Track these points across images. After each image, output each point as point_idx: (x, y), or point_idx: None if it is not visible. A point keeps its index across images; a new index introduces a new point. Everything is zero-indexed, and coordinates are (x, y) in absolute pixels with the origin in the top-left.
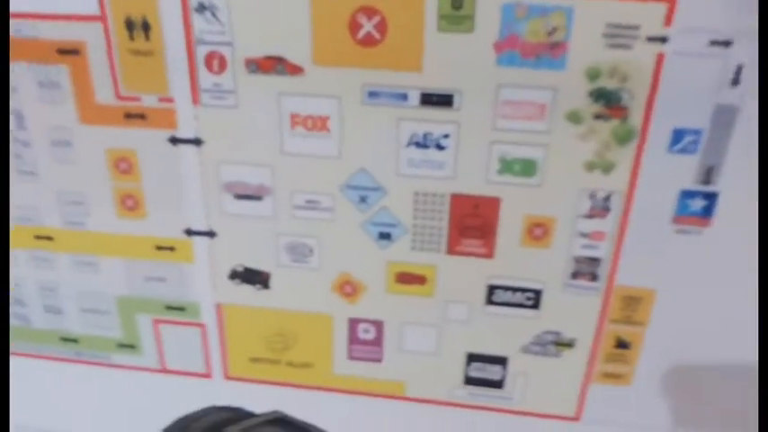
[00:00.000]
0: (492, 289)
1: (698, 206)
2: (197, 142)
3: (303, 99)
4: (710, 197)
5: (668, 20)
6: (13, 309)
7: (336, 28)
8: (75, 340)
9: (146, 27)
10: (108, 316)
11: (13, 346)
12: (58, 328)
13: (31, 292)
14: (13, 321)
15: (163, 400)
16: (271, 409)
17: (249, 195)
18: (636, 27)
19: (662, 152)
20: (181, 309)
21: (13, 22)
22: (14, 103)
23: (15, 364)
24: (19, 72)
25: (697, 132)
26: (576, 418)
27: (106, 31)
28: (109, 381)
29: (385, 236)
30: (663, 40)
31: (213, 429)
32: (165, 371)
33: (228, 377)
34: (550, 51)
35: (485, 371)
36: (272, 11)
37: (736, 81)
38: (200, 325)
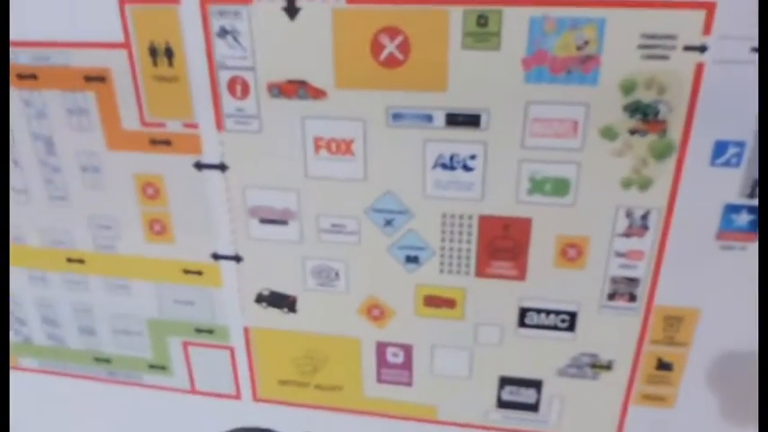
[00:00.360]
0: (524, 311)
1: (743, 221)
2: (222, 167)
3: (326, 122)
4: (756, 211)
5: (707, 28)
6: (47, 329)
7: (358, 50)
8: (108, 360)
9: (169, 53)
10: (139, 337)
11: (48, 366)
12: (91, 349)
13: (66, 313)
14: (48, 342)
15: (193, 421)
16: (299, 431)
17: (275, 220)
18: (673, 37)
19: (703, 166)
20: (210, 331)
21: (42, 51)
22: (44, 129)
23: (50, 382)
24: (50, 99)
25: (741, 144)
26: None
27: (131, 57)
28: (141, 400)
29: (412, 259)
30: (702, 49)
31: None
32: (195, 392)
33: (257, 399)
34: (582, 66)
35: (519, 394)
36: (294, 34)
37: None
38: (228, 347)
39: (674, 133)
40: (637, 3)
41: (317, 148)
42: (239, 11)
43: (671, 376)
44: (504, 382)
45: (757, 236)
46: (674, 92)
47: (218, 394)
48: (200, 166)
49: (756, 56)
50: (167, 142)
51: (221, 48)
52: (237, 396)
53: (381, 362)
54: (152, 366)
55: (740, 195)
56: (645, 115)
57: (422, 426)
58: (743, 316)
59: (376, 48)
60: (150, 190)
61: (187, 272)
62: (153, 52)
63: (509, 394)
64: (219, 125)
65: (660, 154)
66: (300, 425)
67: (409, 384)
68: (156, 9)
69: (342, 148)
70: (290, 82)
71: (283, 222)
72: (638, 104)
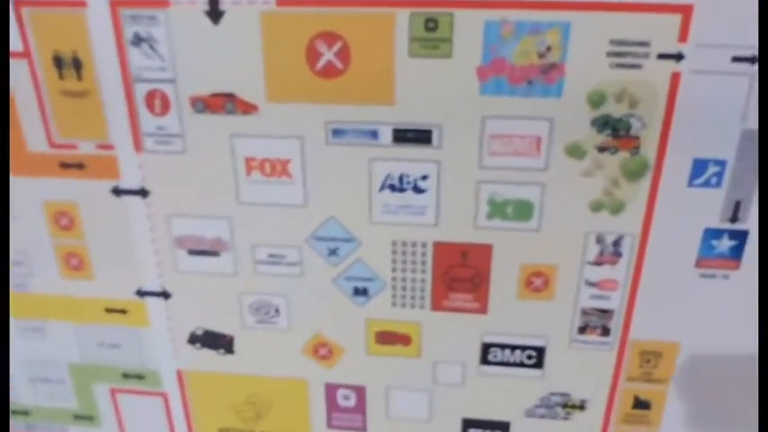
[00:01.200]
0: (487, 347)
1: (725, 247)
2: (143, 193)
3: (259, 141)
4: (739, 236)
5: (683, 34)
6: None
7: (292, 58)
8: (25, 412)
9: (77, 64)
10: (61, 385)
11: None
12: None
13: None
14: None
15: None
16: None
17: (205, 251)
18: (645, 43)
19: (681, 187)
20: (139, 377)
21: None
22: None
23: None
24: None
25: (721, 163)
26: None
27: (32, 69)
28: None
29: (361, 291)
30: (678, 57)
31: None
32: None
33: None
34: (544, 76)
35: None
36: (218, 42)
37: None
38: (161, 394)
39: (648, 150)
40: (605, 5)
41: (250, 169)
42: (155, 15)
43: (649, 415)
44: (468, 425)
45: (740, 264)
46: (648, 104)
47: None
48: (118, 191)
49: (739, 66)
50: (80, 166)
51: (136, 57)
52: None
53: (331, 405)
54: (77, 417)
55: (721, 219)
56: (615, 130)
57: None
58: (726, 349)
59: (312, 56)
60: (64, 220)
61: (110, 311)
62: (58, 63)
63: None
64: (138, 146)
65: (633, 173)
66: None
67: (363, 430)
68: (59, 13)
69: (277, 169)
70: (216, 95)
71: (215, 253)
72: (608, 119)
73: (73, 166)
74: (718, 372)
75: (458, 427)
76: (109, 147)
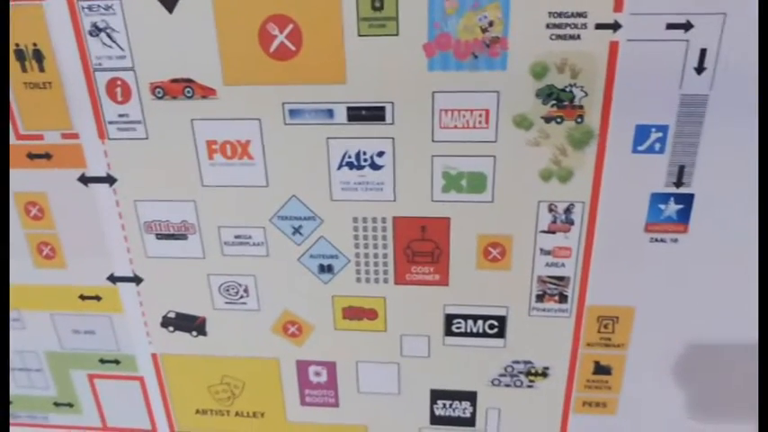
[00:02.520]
0: (450, 318)
1: (672, 211)
2: (109, 180)
3: (218, 124)
4: (685, 199)
5: (618, 4)
6: None
7: (246, 42)
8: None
9: (38, 56)
10: (39, 374)
11: None
12: None
13: None
14: None
15: None
16: None
17: (172, 234)
18: (582, 14)
19: (625, 153)
20: (115, 361)
21: None
22: None
23: None
24: None
25: (663, 128)
26: None
27: None
28: None
29: (326, 268)
30: (614, 26)
31: None
32: (106, 429)
33: None
34: (488, 50)
35: (452, 408)
36: (174, 28)
37: (700, 68)
38: (137, 378)
39: (592, 119)
40: None
41: (211, 152)
42: (111, 5)
43: (610, 380)
44: (436, 395)
45: (688, 228)
46: (589, 74)
47: (132, 430)
48: (85, 179)
49: (673, 32)
50: (47, 156)
51: (95, 47)
52: (153, 430)
53: (304, 382)
54: (58, 404)
55: (666, 184)
56: (559, 101)
57: None
58: (679, 312)
59: (265, 38)
60: (34, 210)
61: (84, 298)
62: (20, 56)
63: (442, 409)
64: (102, 134)
65: (579, 142)
66: None
67: (335, 405)
68: (17, 6)
69: (238, 151)
70: (175, 81)
71: (182, 237)
72: (552, 89)
73: (40, 157)
74: (675, 336)
75: (426, 398)
76: (74, 136)
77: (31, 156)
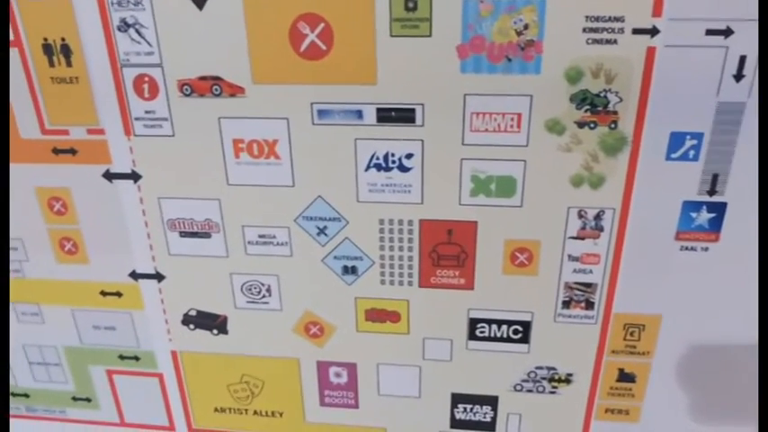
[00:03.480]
0: (474, 323)
1: (703, 219)
2: (134, 177)
3: (246, 122)
4: (717, 208)
5: (657, 8)
6: None
7: (276, 40)
8: (26, 395)
9: (66, 51)
10: (58, 368)
11: None
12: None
13: None
14: None
15: None
16: None
17: (196, 232)
18: (620, 18)
19: (659, 161)
20: (135, 358)
21: None
22: None
23: None
24: None
25: (698, 136)
26: None
27: (23, 56)
28: None
29: (350, 270)
30: (652, 32)
31: None
32: (124, 425)
33: (193, 429)
34: (522, 53)
35: (473, 413)
36: (203, 25)
37: (739, 75)
38: (157, 375)
39: (626, 125)
40: None
41: (238, 151)
42: (140, 1)
43: (634, 388)
44: (457, 399)
45: (719, 237)
46: (624, 79)
47: (149, 426)
48: (110, 176)
49: (713, 39)
50: (72, 151)
51: (124, 43)
52: (171, 428)
53: (323, 383)
54: (75, 399)
55: (699, 192)
56: (593, 106)
57: None
58: (707, 321)
59: (295, 37)
60: (57, 205)
61: (105, 294)
62: (48, 50)
63: (463, 413)
64: (128, 130)
65: (612, 148)
66: None
67: (355, 406)
68: (47, 0)
69: (264, 150)
70: (203, 78)
71: (206, 235)
72: (586, 94)
73: (65, 152)
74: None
75: (447, 402)
76: (100, 131)
77: (56, 151)
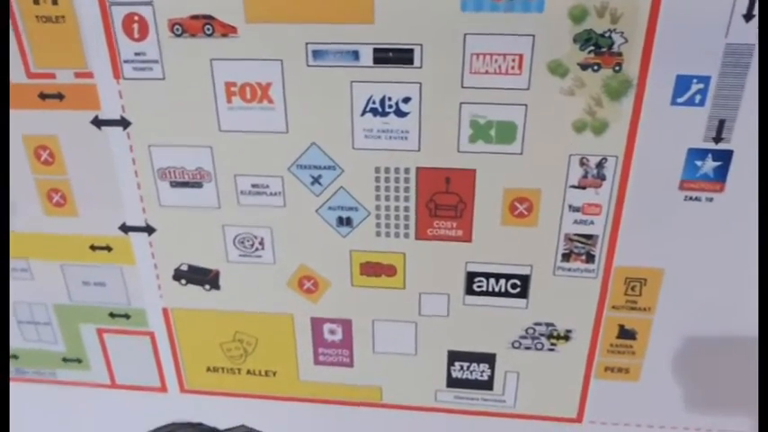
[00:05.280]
0: (472, 276)
1: (709, 168)
2: (123, 123)
3: (238, 64)
4: (723, 156)
5: None
6: None
7: None
8: (15, 356)
9: None
10: (48, 327)
11: None
12: None
13: None
14: None
15: (116, 419)
16: (235, 424)
17: (187, 182)
18: None
19: (664, 105)
20: (125, 316)
21: None
22: None
23: None
24: None
25: (704, 80)
26: (578, 420)
27: None
28: (56, 399)
29: (345, 221)
30: None
31: None
32: (115, 386)
33: (185, 390)
34: None
35: (470, 371)
36: None
37: (749, 14)
38: (148, 333)
39: (631, 67)
40: None
41: (230, 95)
42: None
43: (635, 345)
44: (454, 357)
45: (724, 187)
46: (630, 19)
47: (141, 387)
48: (98, 122)
49: None
50: (59, 96)
51: None
52: (163, 388)
53: (318, 340)
54: (66, 360)
55: (705, 139)
56: (598, 47)
57: (365, 411)
58: (710, 275)
59: None
60: (44, 154)
61: (95, 248)
62: None
63: (460, 371)
64: (117, 73)
65: (616, 92)
66: (233, 416)
67: (350, 365)
68: None
69: (257, 94)
70: (194, 17)
71: (197, 185)
72: (590, 34)
73: (52, 97)
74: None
75: (444, 359)
76: (88, 75)
77: (43, 96)
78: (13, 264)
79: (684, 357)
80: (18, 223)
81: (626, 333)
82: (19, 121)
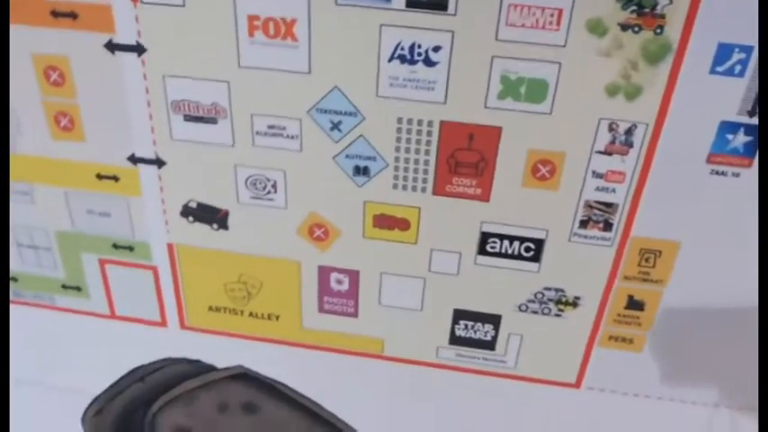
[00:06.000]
0: (486, 237)
1: (739, 142)
2: (139, 49)
3: None
4: (755, 131)
5: None
6: None
7: None
8: (14, 279)
9: None
10: (48, 253)
11: None
12: None
13: None
14: None
15: (112, 350)
16: (233, 364)
17: (201, 117)
18: None
19: (702, 74)
20: (129, 248)
21: None
22: None
23: None
24: None
25: (747, 50)
26: (576, 385)
27: None
28: (53, 324)
29: (362, 170)
30: None
31: (170, 383)
32: (114, 317)
33: (185, 327)
34: None
35: (474, 330)
36: None
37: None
38: (151, 267)
39: (673, 31)
40: None
41: (252, 29)
42: None
43: (642, 316)
44: (459, 315)
45: (753, 163)
46: None
47: (141, 320)
48: (112, 46)
49: None
50: (73, 15)
51: None
52: (163, 323)
53: (324, 289)
54: (65, 287)
55: (739, 112)
56: (641, 7)
57: (366, 361)
58: (727, 253)
59: None
60: (54, 75)
61: (101, 177)
62: None
63: (463, 330)
64: None
65: (654, 56)
66: (232, 356)
67: (354, 315)
68: None
69: (281, 30)
70: None
71: (212, 121)
72: None
73: (65, 15)
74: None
75: (449, 317)
76: None
77: (55, 14)
78: (15, 186)
79: (690, 332)
80: (23, 145)
81: (635, 304)
82: (29, 37)
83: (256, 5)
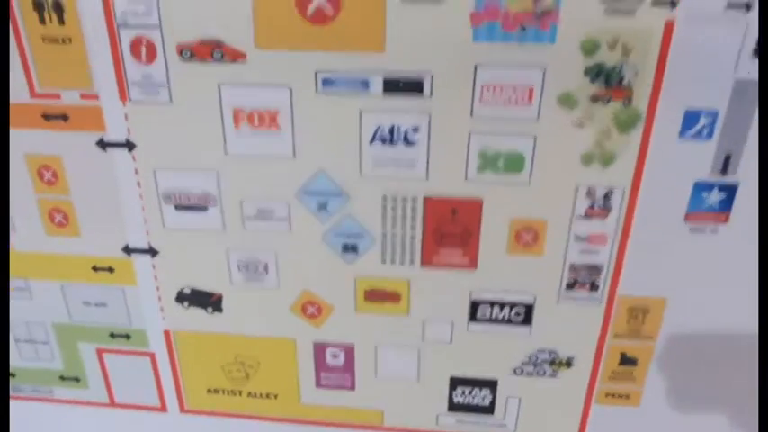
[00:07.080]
0: (475, 304)
1: (714, 200)
2: (129, 146)
3: (247, 90)
4: (729, 189)
5: None
6: None
7: (281, 3)
8: (11, 374)
9: (58, 8)
10: (46, 346)
11: None
12: None
13: None
14: None
15: None
16: None
17: (192, 206)
18: None
19: (672, 139)
20: (126, 336)
21: None
22: None
23: None
24: None
25: (713, 114)
26: None
27: (11, 13)
28: (53, 417)
29: (350, 248)
30: (672, 3)
31: None
32: (114, 405)
33: (185, 410)
34: (538, 22)
35: (472, 396)
36: None
37: (758, 51)
38: (148, 354)
39: (641, 101)
40: None
41: (238, 120)
42: None
43: (635, 372)
44: (456, 382)
45: (729, 217)
46: (641, 53)
47: (140, 406)
48: (103, 144)
49: (732, 13)
50: (64, 117)
51: (121, 2)
52: (163, 408)
53: (320, 364)
54: (63, 378)
55: (711, 172)
56: (608, 80)
57: None
58: (713, 305)
59: (302, 1)
60: (48, 174)
61: (96, 269)
62: (39, 7)
63: (461, 396)
64: (123, 95)
65: (625, 125)
66: None
67: (351, 388)
68: None
69: (266, 120)
70: (203, 42)
71: (202, 209)
72: (601, 68)
73: (56, 118)
74: (705, 331)
75: (446, 385)
76: (93, 97)
77: (47, 116)
78: (12, 283)
79: (685, 384)
80: (19, 242)
81: (627, 360)
82: (22, 139)
83: (241, 99)
